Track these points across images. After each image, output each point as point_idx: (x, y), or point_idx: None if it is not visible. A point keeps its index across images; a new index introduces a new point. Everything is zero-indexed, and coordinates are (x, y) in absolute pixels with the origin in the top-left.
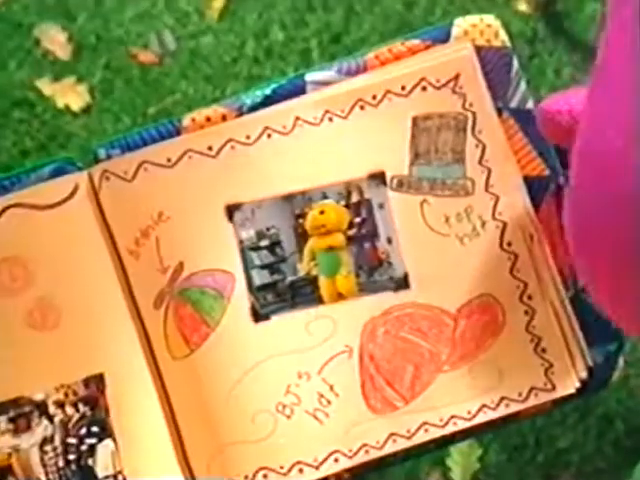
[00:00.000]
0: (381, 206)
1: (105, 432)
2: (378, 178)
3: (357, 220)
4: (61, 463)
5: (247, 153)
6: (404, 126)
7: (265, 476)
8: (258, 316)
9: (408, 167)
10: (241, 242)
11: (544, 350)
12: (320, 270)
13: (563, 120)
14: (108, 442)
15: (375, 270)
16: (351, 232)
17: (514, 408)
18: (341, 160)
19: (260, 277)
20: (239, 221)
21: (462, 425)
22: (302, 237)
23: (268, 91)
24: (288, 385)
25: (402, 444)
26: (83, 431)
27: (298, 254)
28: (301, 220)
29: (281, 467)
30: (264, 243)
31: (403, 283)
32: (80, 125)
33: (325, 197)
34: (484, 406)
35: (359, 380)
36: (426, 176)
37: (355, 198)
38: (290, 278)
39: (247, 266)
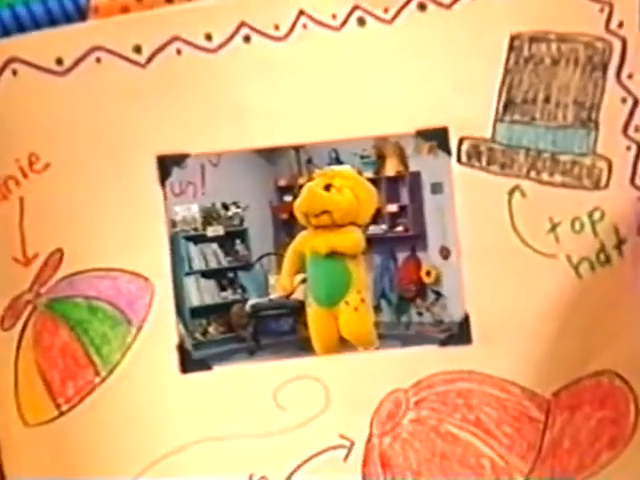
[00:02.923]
0: (437, 188)
1: None
2: (436, 138)
3: (390, 208)
4: None
5: (205, 66)
6: (493, 49)
7: None
8: (189, 362)
9: (492, 124)
10: (173, 224)
11: None
12: (312, 291)
13: None
14: None
15: (412, 303)
16: (376, 229)
17: None
18: (372, 98)
19: (200, 292)
20: (176, 186)
21: None
22: (285, 228)
23: None
24: None
25: None
26: None
27: (274, 257)
28: (287, 197)
29: None
30: (215, 231)
31: (459, 333)
32: None
33: (337, 160)
34: None
35: None
36: (524, 143)
37: (391, 168)
38: (254, 300)
39: (179, 270)
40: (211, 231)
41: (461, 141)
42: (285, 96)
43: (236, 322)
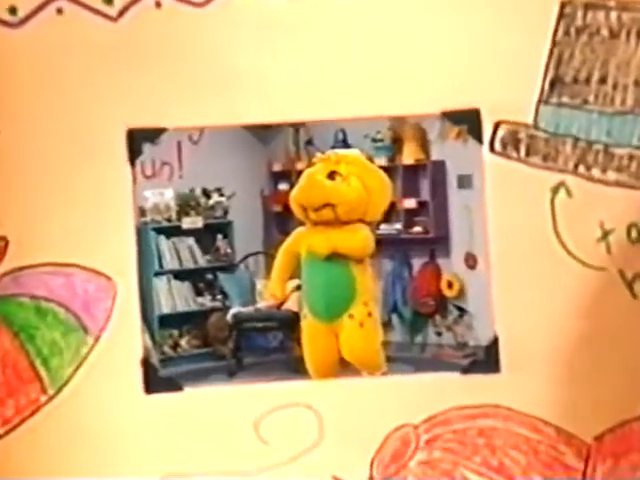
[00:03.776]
0: (465, 182)
1: None
2: (465, 121)
3: (407, 203)
4: None
5: (189, 22)
6: (540, 16)
7: None
8: (156, 380)
9: (535, 107)
10: (142, 213)
11: None
12: (308, 301)
13: None
14: None
15: (430, 320)
16: (389, 228)
17: None
18: (390, 70)
19: (172, 297)
20: (147, 166)
21: None
22: (278, 222)
23: None
24: None
25: None
26: None
27: (263, 257)
28: (282, 185)
29: None
30: (192, 222)
31: (486, 359)
32: None
33: (344, 142)
34: None
35: None
36: (572, 132)
37: (410, 155)
38: (237, 309)
39: (147, 268)
40: (187, 222)
41: (496, 126)
42: (284, 62)
43: (214, 335)
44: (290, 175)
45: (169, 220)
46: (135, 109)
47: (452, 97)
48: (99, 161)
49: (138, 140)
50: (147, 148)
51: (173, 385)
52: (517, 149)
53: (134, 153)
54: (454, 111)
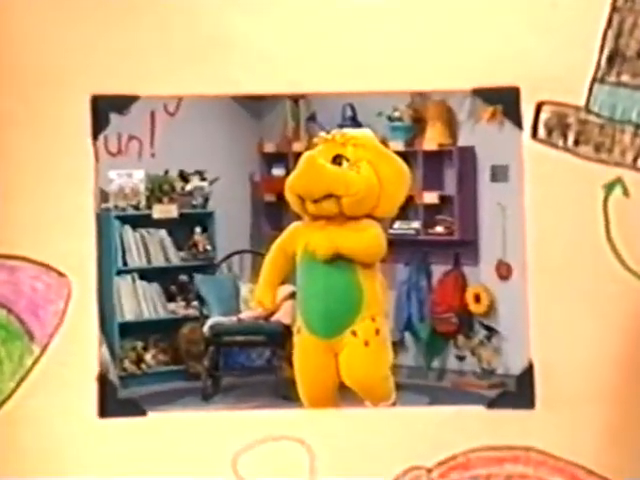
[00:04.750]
0: (500, 174)
1: None
2: (502, 101)
3: (428, 198)
4: None
5: None
6: None
7: None
8: (113, 402)
9: (588, 86)
10: (105, 197)
11: None
12: (303, 312)
13: None
14: None
15: (452, 340)
16: (405, 227)
17: None
18: (412, 37)
19: (137, 301)
20: (113, 141)
21: None
22: (270, 214)
23: None
24: None
25: None
26: None
27: (251, 257)
28: (277, 169)
29: None
30: (165, 211)
31: (518, 391)
32: None
33: (354, 120)
34: None
35: None
36: (632, 117)
37: (433, 139)
38: (215, 319)
39: (107, 265)
40: (159, 211)
41: (539, 108)
42: (282, 21)
43: (187, 349)
44: (286, 158)
45: (137, 207)
46: (101, 73)
47: (486, 71)
48: (54, 133)
49: (103, 109)
50: (114, 119)
51: (134, 408)
52: (564, 136)
53: (98, 125)
54: (488, 88)
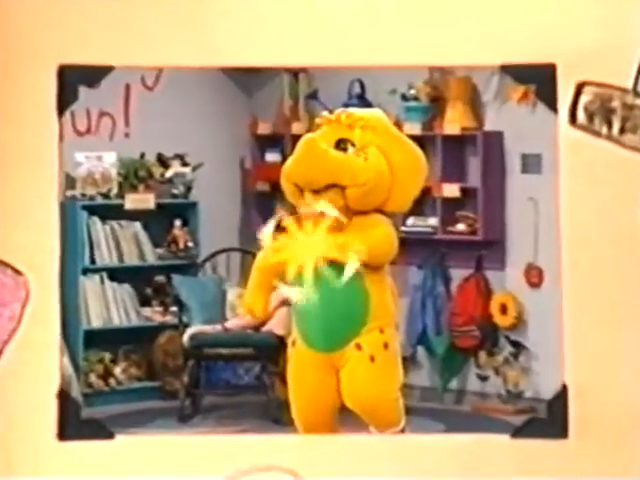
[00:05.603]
0: (532, 164)
1: None
2: (535, 80)
3: (448, 190)
4: None
5: None
6: None
7: None
8: (75, 423)
9: (637, 68)
10: (71, 183)
11: None
12: (300, 323)
13: None
14: None
15: (473, 357)
16: (420, 223)
17: None
18: (432, 6)
19: (106, 304)
20: (81, 119)
21: None
22: (262, 206)
23: None
24: None
25: None
26: None
27: (240, 256)
28: (271, 154)
29: None
30: (140, 201)
31: (549, 418)
32: None
33: (362, 99)
34: None
35: None
36: None
37: (454, 121)
38: (197, 327)
39: (72, 262)
40: (133, 201)
41: (579, 89)
42: None
43: (163, 362)
44: (282, 141)
45: (107, 196)
46: (70, 40)
47: (517, 45)
48: (13, 107)
49: (72, 81)
50: (83, 93)
51: (100, 430)
52: (608, 123)
53: (65, 99)
54: (519, 65)
